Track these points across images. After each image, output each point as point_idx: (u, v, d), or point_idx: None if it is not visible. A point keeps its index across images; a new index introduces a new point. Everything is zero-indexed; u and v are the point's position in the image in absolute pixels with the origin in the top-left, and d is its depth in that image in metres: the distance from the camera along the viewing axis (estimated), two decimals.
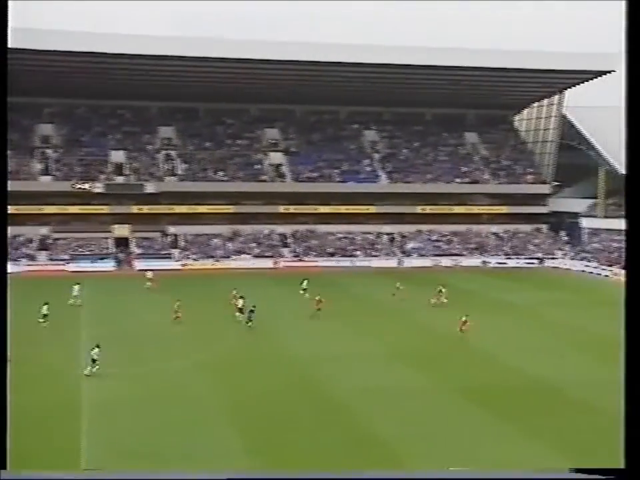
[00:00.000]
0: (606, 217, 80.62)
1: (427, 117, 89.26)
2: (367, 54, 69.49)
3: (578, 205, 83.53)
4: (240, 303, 42.98)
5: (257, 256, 72.89)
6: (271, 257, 72.88)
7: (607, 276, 68.31)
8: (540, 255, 77.17)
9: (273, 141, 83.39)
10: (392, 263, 73.63)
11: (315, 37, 72.30)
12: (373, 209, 79.09)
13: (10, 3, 11.12)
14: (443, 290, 49.27)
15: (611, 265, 69.90)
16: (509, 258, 76.37)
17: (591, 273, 70.41)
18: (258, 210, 77.12)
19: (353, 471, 19.79)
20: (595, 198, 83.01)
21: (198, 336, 39.24)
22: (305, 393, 29.06)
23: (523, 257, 76.96)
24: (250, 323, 40.35)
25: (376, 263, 72.84)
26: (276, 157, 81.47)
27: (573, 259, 75.83)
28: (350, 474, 14.68)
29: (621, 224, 77.38)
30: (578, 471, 9.77)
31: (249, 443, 23.30)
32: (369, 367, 33.17)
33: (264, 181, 78.29)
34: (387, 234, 79.05)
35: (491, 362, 34.56)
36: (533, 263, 75.52)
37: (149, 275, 56.48)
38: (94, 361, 30.15)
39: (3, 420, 10.74)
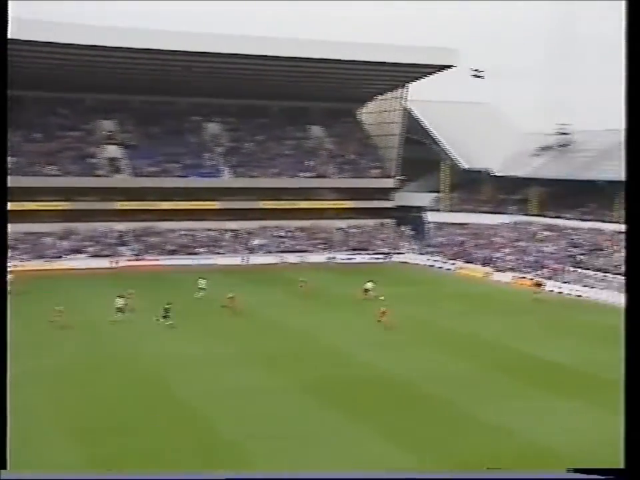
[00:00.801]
0: (449, 210, 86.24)
1: (272, 109, 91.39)
2: (208, 42, 70.30)
3: (422, 199, 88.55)
4: (119, 302, 44.07)
5: (93, 255, 72.04)
6: (109, 256, 72.27)
7: (451, 270, 73.19)
8: (386, 249, 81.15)
9: (109, 133, 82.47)
10: (237, 260, 75.04)
11: (154, 24, 72.06)
12: (216, 205, 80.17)
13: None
14: (304, 282, 50.40)
15: (455, 259, 75.03)
16: (356, 253, 79.82)
17: (437, 267, 75.11)
18: (93, 206, 76.11)
19: (353, 471, 20.22)
20: (439, 192, 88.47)
21: (35, 342, 38.99)
22: (153, 398, 29.80)
23: (370, 252, 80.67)
24: (163, 320, 42.09)
25: (220, 260, 74.05)
26: (112, 150, 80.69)
27: (419, 253, 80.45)
28: (350, 474, 15.97)
29: (463, 217, 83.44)
30: (577, 471, 10.48)
31: (90, 452, 23.71)
32: (218, 368, 34.27)
33: (99, 175, 77.38)
34: (231, 230, 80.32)
35: (342, 359, 36.62)
36: (379, 258, 79.34)
37: None
38: None
39: (2, 420, 11.47)
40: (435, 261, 76.65)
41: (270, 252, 77.91)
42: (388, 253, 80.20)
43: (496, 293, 60.45)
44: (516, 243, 74.01)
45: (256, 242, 79.36)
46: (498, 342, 41.14)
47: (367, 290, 53.28)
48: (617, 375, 34.91)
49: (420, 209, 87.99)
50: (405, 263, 78.16)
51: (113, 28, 68.45)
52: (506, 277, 66.85)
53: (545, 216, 78.34)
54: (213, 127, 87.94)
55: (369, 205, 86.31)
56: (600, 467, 10.10)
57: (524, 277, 65.37)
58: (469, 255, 75.00)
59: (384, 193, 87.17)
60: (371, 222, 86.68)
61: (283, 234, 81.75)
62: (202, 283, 53.13)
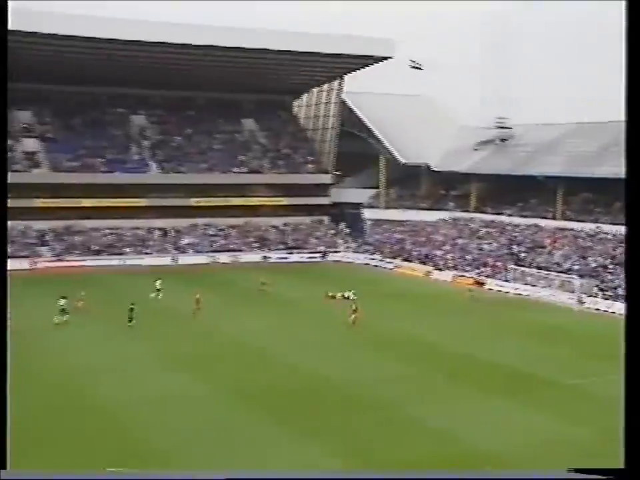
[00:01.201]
0: (387, 207, 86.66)
1: (201, 101, 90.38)
2: (131, 30, 68.73)
3: (360, 195, 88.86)
4: (62, 302, 43.87)
5: (9, 256, 69.69)
6: (27, 257, 70.18)
7: (390, 269, 73.45)
8: (322, 248, 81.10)
9: (25, 125, 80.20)
10: (165, 260, 73.92)
11: (72, 8, 69.84)
12: (143, 202, 78.77)
13: None
14: (265, 284, 50.87)
15: (394, 257, 75.30)
16: (291, 252, 79.55)
17: (375, 265, 75.31)
18: (10, 204, 73.45)
19: (353, 471, 20.52)
20: (377, 188, 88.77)
21: None
22: (76, 408, 29.31)
23: (305, 250, 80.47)
24: (131, 323, 42.77)
25: (148, 260, 72.78)
26: (29, 144, 78.48)
27: (356, 251, 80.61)
28: (350, 474, 16.28)
29: (402, 214, 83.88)
30: (577, 471, 10.86)
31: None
32: (143, 374, 33.95)
33: (16, 170, 75.02)
34: (159, 229, 79.14)
35: (271, 362, 36.66)
36: (315, 257, 79.26)
37: None
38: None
39: (2, 420, 12.05)
40: (373, 259, 76.92)
41: (201, 251, 76.98)
42: (324, 252, 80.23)
43: (436, 292, 60.85)
44: (456, 241, 74.70)
45: (186, 241, 78.36)
46: (439, 343, 41.50)
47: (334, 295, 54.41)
48: (559, 376, 35.61)
49: (357, 205, 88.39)
50: (342, 261, 78.32)
51: (25, 11, 66.14)
52: (446, 276, 67.36)
53: (485, 212, 79.30)
54: (138, 119, 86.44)
55: (305, 202, 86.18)
56: (600, 467, 10.39)
57: (464, 276, 65.98)
58: (408, 253, 75.37)
59: (320, 189, 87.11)
60: (306, 219, 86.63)
61: (214, 232, 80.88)
62: (158, 283, 53.43)
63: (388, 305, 53.03)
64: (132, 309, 43.59)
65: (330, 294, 54.59)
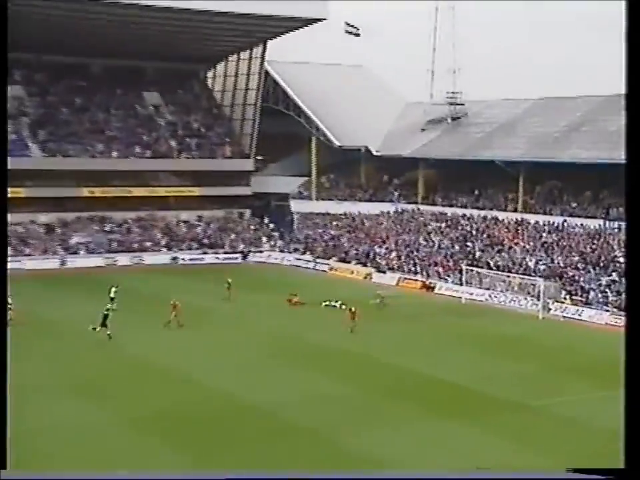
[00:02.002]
0: (320, 198, 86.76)
1: (95, 68, 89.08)
2: None
3: (287, 184, 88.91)
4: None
5: None
6: None
7: (324, 271, 73.66)
8: (243, 247, 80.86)
9: None
10: (52, 263, 72.57)
11: None
12: (21, 192, 76.68)
13: None
14: (175, 307, 48.99)
15: (328, 257, 75.52)
16: (205, 252, 79.17)
17: (305, 267, 75.44)
18: None
19: (354, 471, 21.46)
20: (307, 176, 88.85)
21: None
22: None
23: (223, 250, 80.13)
24: (101, 329, 43.70)
25: (30, 264, 71.23)
26: None
27: (283, 250, 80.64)
28: (350, 474, 17.69)
29: (337, 207, 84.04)
30: (578, 471, 12.21)
31: None
32: (37, 401, 33.58)
33: None
34: (43, 225, 77.72)
35: (177, 383, 36.57)
36: (235, 258, 78.97)
37: None
38: None
39: (2, 420, 14.00)
40: (303, 260, 76.90)
41: (95, 252, 75.96)
42: (246, 252, 79.94)
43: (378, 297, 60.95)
44: (401, 237, 75.24)
45: (76, 239, 77.01)
46: (378, 357, 41.73)
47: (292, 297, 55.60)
48: (519, 395, 36.04)
49: (284, 196, 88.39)
50: (267, 263, 78.15)
51: None
52: (390, 279, 67.74)
53: (434, 203, 80.00)
54: (15, 90, 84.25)
55: (221, 192, 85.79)
56: (600, 467, 11.68)
57: (411, 279, 66.50)
58: (345, 252, 75.59)
59: (239, 177, 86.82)
60: (222, 213, 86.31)
61: (111, 229, 79.91)
62: (113, 291, 53.12)
63: (321, 314, 53.11)
64: (107, 315, 44.55)
65: (294, 299, 55.96)
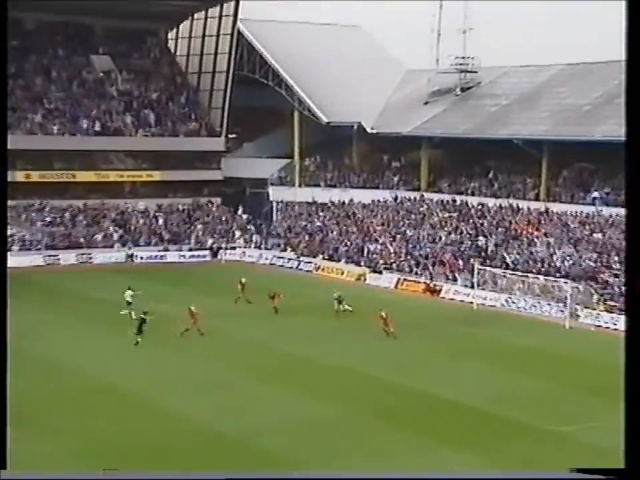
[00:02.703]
0: (304, 184, 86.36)
1: (30, 25, 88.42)
2: None
3: (264, 167, 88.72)
4: None
5: None
6: None
7: (308, 271, 73.41)
8: (212, 242, 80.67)
9: None
10: None
11: None
12: None
13: None
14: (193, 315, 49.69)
15: (314, 255, 75.39)
16: (167, 249, 79.07)
17: (286, 266, 75.30)
18: None
19: (353, 471, 23.75)
20: (289, 158, 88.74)
21: None
22: None
23: (188, 246, 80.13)
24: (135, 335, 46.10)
25: None
26: None
27: (260, 247, 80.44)
28: (350, 474, 19.94)
29: (325, 194, 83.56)
30: (578, 471, 13.71)
31: None
32: None
33: None
34: None
35: (149, 408, 36.54)
36: (202, 256, 78.97)
37: None
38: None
39: (2, 420, 16.28)
40: (284, 258, 76.71)
41: (32, 248, 75.57)
42: (215, 248, 79.82)
43: (374, 303, 60.27)
44: (400, 230, 74.80)
45: (8, 233, 76.34)
46: (376, 375, 41.46)
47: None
48: (538, 419, 35.69)
49: (261, 182, 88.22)
50: (241, 261, 77.88)
51: None
52: (387, 281, 67.46)
53: (440, 190, 79.62)
54: None
55: (186, 177, 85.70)
56: (600, 467, 13.26)
57: (413, 280, 66.12)
58: (334, 249, 75.32)
59: (207, 159, 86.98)
60: (187, 202, 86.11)
61: (52, 220, 79.38)
62: (128, 294, 53.77)
63: (306, 323, 53.05)
64: (144, 319, 46.64)
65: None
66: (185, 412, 35.79)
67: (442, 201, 77.73)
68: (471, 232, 70.83)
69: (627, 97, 13.84)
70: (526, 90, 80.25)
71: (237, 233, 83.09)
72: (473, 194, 76.99)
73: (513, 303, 58.46)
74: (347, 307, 54.91)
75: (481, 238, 69.24)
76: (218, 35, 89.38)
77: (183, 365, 43.44)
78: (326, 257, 74.69)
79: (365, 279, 69.05)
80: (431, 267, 67.11)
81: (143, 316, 46.85)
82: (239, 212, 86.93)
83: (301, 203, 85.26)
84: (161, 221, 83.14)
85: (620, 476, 13.15)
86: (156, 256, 78.06)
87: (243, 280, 58.97)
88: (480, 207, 74.51)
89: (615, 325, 52.98)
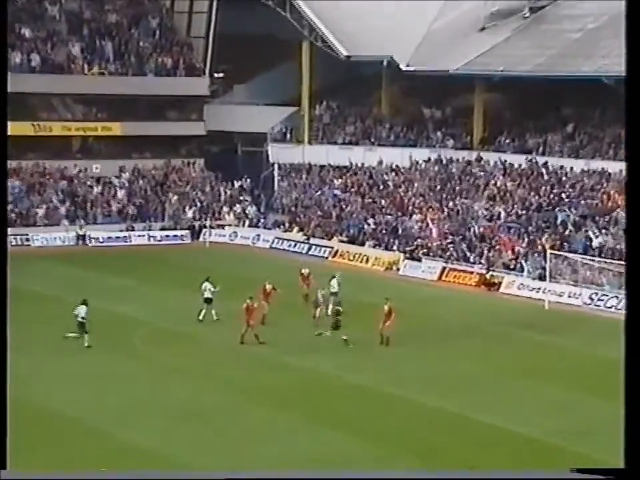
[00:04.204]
0: (314, 141, 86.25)
1: None
2: None
3: (262, 118, 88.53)
4: None
5: None
6: None
7: (323, 257, 73.69)
8: (192, 217, 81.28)
9: None
10: None
11: None
12: None
13: None
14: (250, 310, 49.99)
15: (329, 237, 75.50)
16: (132, 228, 79.50)
17: (292, 251, 75.51)
18: None
19: (353, 471, 27.35)
20: (295, 105, 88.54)
21: None
22: None
23: (160, 225, 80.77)
24: (331, 333, 49.19)
25: None
26: None
27: (257, 225, 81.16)
28: (350, 474, 23.78)
29: (343, 155, 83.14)
30: (578, 471, 16.88)
31: None
32: None
33: None
34: None
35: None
36: (180, 237, 79.91)
37: None
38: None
39: (2, 420, 20.56)
40: (289, 240, 76.97)
41: None
42: (196, 227, 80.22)
43: (413, 301, 59.97)
44: (446, 203, 74.59)
45: None
46: (413, 397, 41.31)
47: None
48: (607, 455, 35.65)
49: (258, 138, 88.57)
50: (230, 244, 78.76)
51: None
52: (428, 270, 67.36)
53: (499, 149, 79.13)
54: None
55: (155, 131, 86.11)
56: (600, 467, 16.92)
57: (463, 270, 65.87)
58: (356, 227, 75.30)
59: (186, 107, 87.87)
60: (158, 164, 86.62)
61: None
62: (208, 289, 54.48)
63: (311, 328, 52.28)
64: (338, 311, 49.64)
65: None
66: (145, 444, 34.95)
67: (503, 163, 77.22)
68: (542, 205, 70.45)
69: (628, 98, 16.19)
70: (618, 11, 79.13)
71: (226, 207, 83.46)
72: (545, 153, 76.36)
73: (600, 300, 57.95)
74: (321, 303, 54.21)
75: (556, 213, 68.80)
76: None
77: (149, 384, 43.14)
78: (345, 239, 74.74)
79: (397, 268, 69.00)
80: (487, 252, 66.72)
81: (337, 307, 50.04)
82: (229, 178, 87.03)
83: (312, 166, 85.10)
84: (122, 191, 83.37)
85: (620, 476, 16.04)
86: (117, 237, 78.73)
87: (304, 271, 59.16)
88: (555, 170, 73.97)
89: None
